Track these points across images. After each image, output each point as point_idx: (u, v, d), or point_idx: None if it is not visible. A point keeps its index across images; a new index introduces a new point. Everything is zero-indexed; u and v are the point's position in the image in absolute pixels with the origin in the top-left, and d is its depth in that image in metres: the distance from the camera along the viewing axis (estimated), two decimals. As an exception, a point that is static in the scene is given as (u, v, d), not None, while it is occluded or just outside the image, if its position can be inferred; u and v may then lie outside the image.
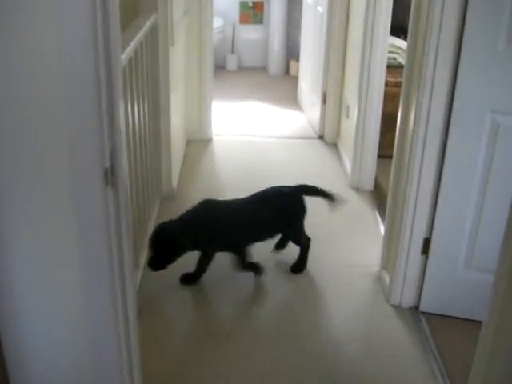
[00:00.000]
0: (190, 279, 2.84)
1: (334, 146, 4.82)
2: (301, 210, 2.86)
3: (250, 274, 2.88)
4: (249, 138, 5.04)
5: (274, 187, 2.87)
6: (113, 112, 1.37)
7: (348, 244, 3.31)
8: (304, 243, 2.94)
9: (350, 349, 2.48)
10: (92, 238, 1.45)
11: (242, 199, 2.83)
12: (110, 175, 1.40)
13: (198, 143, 4.82)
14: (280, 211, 2.81)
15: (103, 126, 1.35)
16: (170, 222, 2.69)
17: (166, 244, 2.62)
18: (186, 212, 2.73)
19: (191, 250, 2.69)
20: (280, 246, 3.04)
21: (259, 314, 2.74)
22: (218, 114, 5.28)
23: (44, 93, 1.25)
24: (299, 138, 5.06)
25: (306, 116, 5.53)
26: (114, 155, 1.41)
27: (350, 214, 3.60)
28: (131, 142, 2.69)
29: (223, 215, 2.75)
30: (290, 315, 2.75)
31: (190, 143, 4.80)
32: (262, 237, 2.85)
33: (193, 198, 3.85)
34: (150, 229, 3.34)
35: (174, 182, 3.89)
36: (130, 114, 2.59)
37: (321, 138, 4.98)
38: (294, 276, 2.97)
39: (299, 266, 2.97)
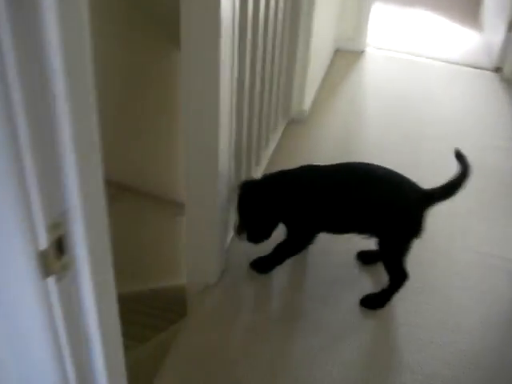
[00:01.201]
0: (260, 266, 2.20)
1: (513, 83, 3.89)
2: (413, 231, 1.96)
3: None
4: (409, 57, 4.22)
5: (396, 178, 1.99)
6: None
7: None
8: (397, 276, 2.05)
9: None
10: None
11: (352, 172, 2.03)
12: (54, 259, 0.79)
13: (348, 55, 4.09)
14: (387, 214, 1.97)
15: (24, 168, 0.71)
16: (262, 178, 2.09)
17: (254, 205, 2.01)
18: (280, 172, 2.07)
19: (281, 220, 2.05)
20: (368, 257, 2.25)
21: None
22: (377, 20, 4.45)
23: None
24: (469, 65, 4.16)
25: (483, 39, 4.54)
26: (64, 220, 0.80)
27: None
28: (258, 44, 2.19)
29: (325, 186, 2.00)
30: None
31: (337, 54, 4.09)
32: (355, 228, 2.09)
33: (326, 124, 3.29)
34: (271, 150, 2.86)
35: (308, 102, 3.30)
36: (259, 7, 2.08)
37: (498, 70, 4.04)
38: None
39: (376, 300, 2.11)
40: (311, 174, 2.03)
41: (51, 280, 0.78)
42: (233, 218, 2.17)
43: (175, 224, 3.03)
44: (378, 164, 2.01)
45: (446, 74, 4.03)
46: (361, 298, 2.09)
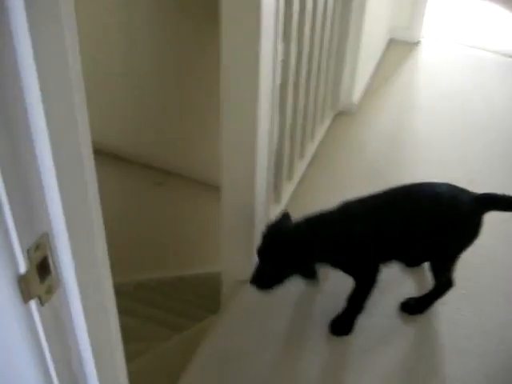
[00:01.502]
0: (342, 327, 1.95)
1: None
2: (471, 235, 1.81)
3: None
4: (466, 49, 4.02)
5: (446, 189, 1.81)
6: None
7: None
8: (444, 283, 1.93)
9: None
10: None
11: (393, 204, 1.82)
12: (36, 282, 0.72)
13: (402, 46, 3.94)
14: (443, 230, 1.80)
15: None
16: (289, 220, 1.83)
17: (281, 249, 1.73)
18: (317, 216, 1.84)
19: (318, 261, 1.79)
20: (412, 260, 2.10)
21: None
22: (434, 10, 4.26)
23: None
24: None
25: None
26: (46, 241, 0.74)
27: None
28: (305, 30, 2.12)
29: (365, 225, 1.78)
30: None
31: (391, 44, 3.94)
32: (406, 260, 1.99)
33: (375, 118, 3.18)
34: (316, 143, 2.77)
35: (357, 94, 3.19)
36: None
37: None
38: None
39: (417, 305, 2.00)
40: (351, 214, 1.81)
41: (34, 303, 0.72)
42: (270, 210, 2.11)
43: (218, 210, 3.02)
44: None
45: (503, 68, 3.84)
46: (401, 302, 2.00)
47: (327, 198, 2.55)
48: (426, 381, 1.80)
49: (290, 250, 1.70)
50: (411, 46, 3.96)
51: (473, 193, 1.79)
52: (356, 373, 1.80)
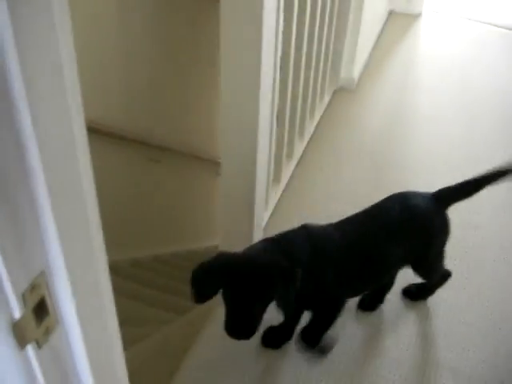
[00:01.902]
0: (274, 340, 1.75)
1: None
2: (443, 234, 1.67)
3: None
4: (467, 22, 3.92)
5: (398, 197, 1.65)
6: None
7: None
8: (441, 278, 1.83)
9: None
10: None
11: (355, 223, 1.60)
12: (33, 326, 0.64)
13: (403, 18, 3.84)
14: (412, 238, 1.63)
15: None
16: (255, 249, 1.46)
17: (263, 286, 1.33)
18: (280, 235, 1.51)
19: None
20: (371, 303, 1.90)
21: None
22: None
23: None
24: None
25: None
26: (43, 281, 0.65)
27: None
28: (307, 2, 2.03)
29: (332, 250, 1.53)
30: None
31: (391, 16, 3.83)
32: (380, 279, 1.74)
33: (376, 93, 3.09)
34: (316, 119, 2.68)
35: (357, 69, 3.09)
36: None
37: None
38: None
39: (419, 292, 1.91)
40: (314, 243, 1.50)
41: (32, 347, 0.63)
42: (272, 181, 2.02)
43: (216, 183, 2.93)
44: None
45: (504, 41, 3.74)
46: (403, 288, 1.93)
47: (327, 177, 2.48)
48: (424, 365, 1.74)
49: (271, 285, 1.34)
50: (412, 18, 3.85)
51: (427, 193, 1.65)
52: (354, 356, 1.73)
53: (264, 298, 1.33)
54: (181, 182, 3.34)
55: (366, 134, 2.79)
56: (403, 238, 1.60)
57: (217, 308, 1.90)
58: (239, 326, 1.33)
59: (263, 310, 1.35)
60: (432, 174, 2.44)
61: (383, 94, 3.12)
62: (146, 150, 3.25)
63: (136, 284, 2.98)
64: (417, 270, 1.72)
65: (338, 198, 2.35)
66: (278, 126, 2.07)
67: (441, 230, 1.65)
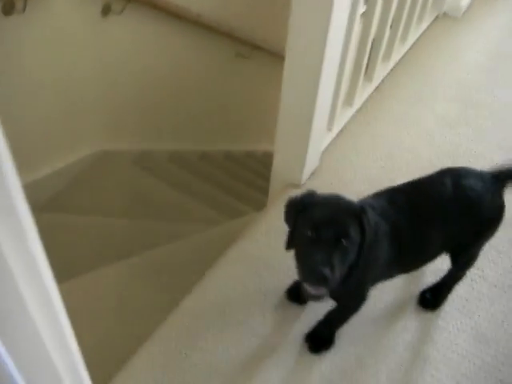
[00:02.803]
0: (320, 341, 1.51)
1: None
2: (496, 221, 1.40)
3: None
4: None
5: (452, 173, 1.37)
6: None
7: None
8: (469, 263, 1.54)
9: None
10: None
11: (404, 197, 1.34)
12: None
13: None
14: (461, 222, 1.36)
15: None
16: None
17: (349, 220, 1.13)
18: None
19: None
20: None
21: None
22: None
23: None
24: None
25: None
26: None
27: None
28: None
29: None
30: None
31: None
32: (415, 267, 1.49)
33: (484, 30, 2.73)
34: (409, 43, 2.43)
35: (468, -4, 2.73)
36: None
37: None
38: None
39: (437, 296, 1.62)
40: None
41: None
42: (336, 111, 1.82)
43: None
44: None
45: None
46: (417, 299, 1.61)
47: (405, 110, 2.23)
48: (428, 363, 1.53)
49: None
50: None
51: (485, 172, 1.37)
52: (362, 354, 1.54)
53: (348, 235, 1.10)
54: (267, 80, 3.19)
55: (463, 69, 2.48)
56: (451, 222, 1.35)
57: (253, 226, 1.78)
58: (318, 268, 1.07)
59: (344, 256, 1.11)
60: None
61: (492, 28, 2.76)
62: (234, 44, 3.13)
63: (194, 175, 3.02)
64: (456, 258, 1.48)
65: (412, 133, 2.12)
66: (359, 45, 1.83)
67: (495, 217, 1.39)
